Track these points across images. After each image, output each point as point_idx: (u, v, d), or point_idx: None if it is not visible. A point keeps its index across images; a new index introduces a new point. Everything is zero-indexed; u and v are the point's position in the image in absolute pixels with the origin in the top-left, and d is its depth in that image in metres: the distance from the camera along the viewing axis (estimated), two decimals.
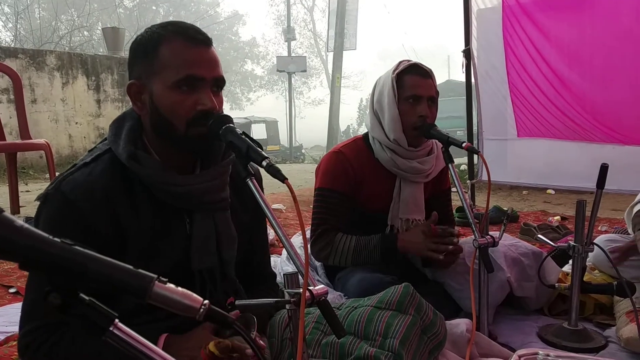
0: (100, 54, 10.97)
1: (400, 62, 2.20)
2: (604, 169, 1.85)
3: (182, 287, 0.80)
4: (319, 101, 38.86)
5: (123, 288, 0.61)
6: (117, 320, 0.60)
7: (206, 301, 0.67)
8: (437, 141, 2.30)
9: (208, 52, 1.33)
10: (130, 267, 0.62)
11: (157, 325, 1.30)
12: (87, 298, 0.59)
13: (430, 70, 2.16)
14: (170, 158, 1.37)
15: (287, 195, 5.86)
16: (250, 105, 38.98)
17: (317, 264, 2.45)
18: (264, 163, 1.18)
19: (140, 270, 0.63)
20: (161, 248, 1.35)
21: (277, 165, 1.16)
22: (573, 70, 3.97)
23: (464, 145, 1.98)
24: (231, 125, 1.29)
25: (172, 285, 0.65)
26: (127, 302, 1.30)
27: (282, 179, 1.15)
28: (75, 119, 9.18)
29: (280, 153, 20.94)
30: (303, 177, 8.14)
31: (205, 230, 1.40)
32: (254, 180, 1.26)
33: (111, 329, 0.59)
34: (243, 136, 1.27)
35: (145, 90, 1.33)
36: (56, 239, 0.60)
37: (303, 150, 23.95)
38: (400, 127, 2.13)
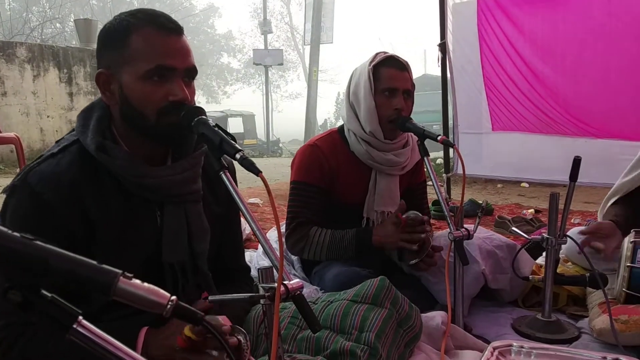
0: (72, 46, 10.77)
1: (377, 54, 2.19)
2: (577, 161, 1.86)
3: (153, 281, 0.78)
4: (296, 95, 38.78)
5: (86, 284, 0.58)
6: (81, 317, 0.58)
7: (173, 297, 0.65)
8: (412, 134, 2.30)
9: (179, 41, 1.31)
10: (94, 262, 0.60)
11: (132, 320, 1.28)
12: (49, 295, 0.57)
13: (407, 62, 2.16)
14: (140, 149, 1.35)
15: (263, 189, 5.82)
16: (227, 99, 38.70)
17: (294, 258, 2.44)
18: (238, 156, 1.16)
19: (104, 266, 0.60)
20: (131, 240, 1.33)
21: (252, 158, 1.14)
22: (546, 64, 4.01)
23: (439, 138, 1.98)
24: (204, 117, 1.27)
25: (137, 281, 0.62)
26: (99, 299, 1.27)
27: (256, 172, 1.14)
28: (47, 112, 9.00)
29: (257, 147, 20.82)
30: (280, 171, 8.11)
31: (176, 223, 1.38)
32: (228, 174, 1.24)
33: (75, 326, 0.57)
34: (216, 128, 1.25)
35: (115, 80, 1.30)
36: (16, 233, 0.57)
37: (280, 144, 23.87)
38: (377, 119, 2.13)
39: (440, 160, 6.66)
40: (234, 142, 1.21)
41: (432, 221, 2.39)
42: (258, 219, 1.24)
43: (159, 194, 1.36)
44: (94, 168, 1.30)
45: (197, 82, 1.39)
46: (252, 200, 4.86)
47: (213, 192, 1.52)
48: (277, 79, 37.37)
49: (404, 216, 2.03)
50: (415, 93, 2.20)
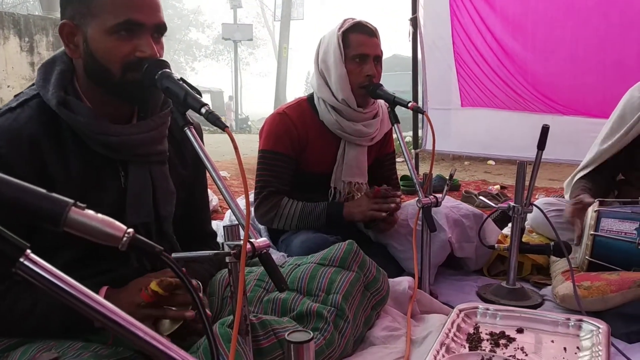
0: (34, 14, 10.40)
1: (345, 20, 2.15)
2: (545, 130, 1.87)
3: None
4: (265, 73, 38.43)
5: (35, 213, 0.54)
6: (29, 251, 0.54)
7: (130, 229, 0.61)
8: (382, 105, 2.29)
9: None
10: (43, 190, 0.56)
11: (97, 279, 1.25)
12: None
13: (376, 28, 2.13)
14: (105, 106, 1.30)
15: (231, 163, 5.76)
16: (195, 75, 38.13)
17: (261, 227, 2.41)
18: (203, 110, 1.12)
19: (54, 194, 0.56)
20: (93, 201, 1.26)
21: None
22: (517, 41, 4.01)
23: (409, 105, 1.97)
24: (168, 70, 1.22)
25: (91, 212, 0.59)
26: (63, 255, 1.24)
27: (222, 127, 1.11)
28: (7, 82, 8.68)
29: None
30: (249, 147, 8.03)
31: (140, 184, 1.34)
32: (193, 130, 1.20)
33: (22, 260, 0.53)
34: (181, 82, 1.20)
35: (79, 32, 1.24)
36: None
37: (249, 122, 23.63)
38: (348, 86, 2.10)
39: (409, 139, 6.69)
40: (199, 97, 1.17)
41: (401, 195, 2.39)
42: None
43: (123, 153, 1.31)
44: (55, 124, 1.25)
45: (165, 57, 1.32)
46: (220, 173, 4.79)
47: (179, 154, 1.48)
48: (247, 56, 36.94)
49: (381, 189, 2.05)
50: (385, 73, 2.18)
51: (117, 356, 1.19)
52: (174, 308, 1.20)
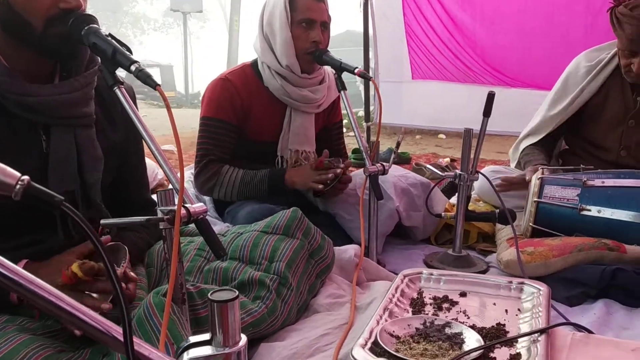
0: None
1: None
2: (490, 96, 1.86)
3: (38, 214, 0.66)
4: (217, 46, 37.63)
5: None
6: None
7: (25, 177, 0.55)
8: (329, 72, 2.24)
9: None
10: None
11: (22, 252, 1.17)
12: None
13: None
14: (22, 64, 1.21)
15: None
16: (144, 49, 37.02)
17: (206, 198, 2.34)
18: (133, 68, 1.06)
19: None
20: (11, 167, 1.18)
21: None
22: (465, 13, 4.01)
23: (356, 70, 1.93)
24: (95, 25, 1.14)
25: None
26: None
27: (154, 85, 1.06)
28: None
29: (175, 99, 20.09)
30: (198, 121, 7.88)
31: (64, 148, 1.25)
32: (123, 89, 1.13)
33: None
34: (110, 38, 1.12)
35: None
36: None
37: (200, 98, 23.16)
38: (293, 52, 2.05)
39: (361, 113, 6.68)
40: (129, 54, 1.10)
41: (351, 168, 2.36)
42: (173, 165, 1.14)
43: (44, 115, 1.22)
44: None
45: (112, 30, 1.24)
46: (166, 147, 4.68)
47: (108, 117, 1.39)
48: (198, 29, 36.09)
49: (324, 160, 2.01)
50: (337, 49, 2.13)
51: (44, 329, 1.12)
52: (94, 295, 1.13)
